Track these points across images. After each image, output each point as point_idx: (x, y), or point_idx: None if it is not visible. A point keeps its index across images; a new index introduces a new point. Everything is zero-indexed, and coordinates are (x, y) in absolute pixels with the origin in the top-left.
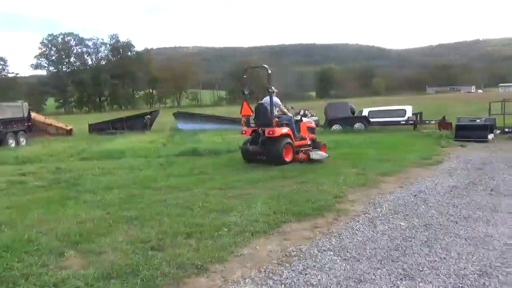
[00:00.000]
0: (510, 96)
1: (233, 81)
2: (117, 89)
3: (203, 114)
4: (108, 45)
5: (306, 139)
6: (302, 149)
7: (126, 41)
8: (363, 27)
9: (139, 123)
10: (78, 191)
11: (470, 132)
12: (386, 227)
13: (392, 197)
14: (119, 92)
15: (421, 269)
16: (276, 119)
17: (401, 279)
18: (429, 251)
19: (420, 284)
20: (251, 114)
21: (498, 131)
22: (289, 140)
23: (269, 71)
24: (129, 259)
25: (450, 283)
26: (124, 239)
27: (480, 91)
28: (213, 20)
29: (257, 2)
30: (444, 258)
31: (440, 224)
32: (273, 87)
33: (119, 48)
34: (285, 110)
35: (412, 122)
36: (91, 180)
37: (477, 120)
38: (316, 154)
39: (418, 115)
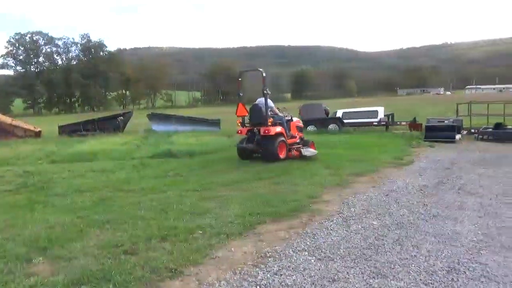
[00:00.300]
0: (476, 98)
1: (208, 82)
2: (89, 89)
3: (178, 116)
4: (79, 45)
5: (296, 137)
6: (293, 146)
7: (98, 41)
8: (336, 30)
9: (112, 125)
10: (47, 195)
11: (439, 133)
12: (360, 226)
13: (365, 196)
14: (90, 93)
15: (392, 267)
16: (271, 119)
17: (374, 277)
18: (401, 249)
19: (392, 281)
20: (246, 114)
21: (465, 132)
22: (282, 138)
23: (264, 74)
24: (100, 264)
25: (421, 279)
26: (95, 243)
27: (448, 93)
28: (187, 21)
29: (231, 4)
30: (415, 255)
31: (411, 223)
32: (267, 89)
33: (91, 48)
34: (276, 111)
35: (384, 123)
36: (61, 183)
37: (445, 121)
38: (307, 151)
39: (390, 116)
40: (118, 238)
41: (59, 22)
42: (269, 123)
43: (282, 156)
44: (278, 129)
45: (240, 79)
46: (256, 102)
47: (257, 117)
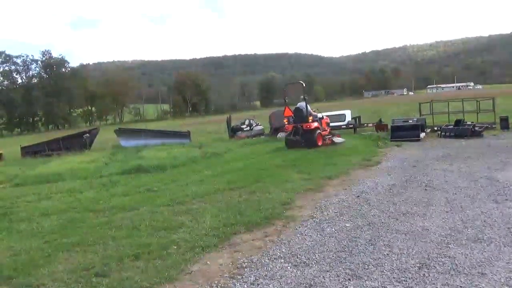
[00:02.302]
0: (437, 96)
1: (176, 94)
2: (52, 108)
3: (147, 130)
4: (39, 62)
5: (327, 130)
6: (327, 137)
7: (60, 57)
8: (300, 36)
9: (78, 143)
10: (11, 221)
11: (404, 132)
12: (333, 229)
13: (337, 199)
14: (54, 111)
15: (367, 267)
16: (312, 117)
17: (349, 279)
18: (373, 249)
19: (367, 282)
20: (292, 115)
21: (428, 130)
22: (319, 131)
23: (304, 85)
24: None
25: (394, 277)
26: (65, 268)
27: (411, 93)
28: (150, 34)
29: (194, 15)
30: (387, 254)
31: (382, 222)
32: (306, 96)
33: (52, 65)
34: (312, 111)
35: (352, 125)
36: (25, 207)
37: (410, 121)
38: (337, 140)
39: (357, 119)
40: (88, 261)
41: (15, 40)
42: (310, 120)
43: (320, 143)
44: (316, 124)
45: (285, 89)
46: (298, 105)
47: (300, 116)
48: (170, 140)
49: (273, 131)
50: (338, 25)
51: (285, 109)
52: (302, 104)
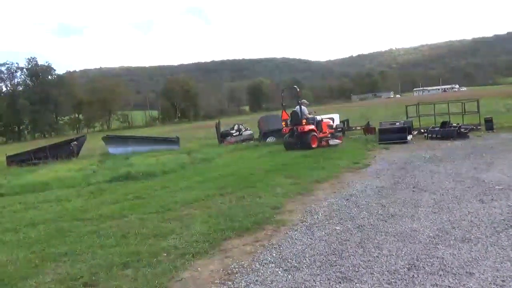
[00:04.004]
0: (423, 99)
1: (164, 100)
2: (38, 116)
3: (135, 136)
4: (25, 70)
5: (326, 133)
6: (324, 139)
7: (46, 64)
8: (288, 41)
9: (65, 151)
10: None
11: (392, 135)
12: (323, 233)
13: (326, 203)
14: (40, 119)
15: (357, 270)
16: (305, 120)
17: (340, 282)
18: (363, 251)
19: (357, 285)
20: (288, 118)
21: (415, 132)
22: (314, 133)
23: (298, 89)
24: None
25: (384, 280)
26: (52, 278)
27: (398, 96)
28: (136, 41)
29: (180, 21)
30: (377, 256)
31: (371, 224)
32: (304, 100)
33: (38, 72)
34: (308, 115)
35: (340, 129)
36: (11, 217)
37: (397, 123)
38: (333, 142)
39: (345, 122)
40: (76, 270)
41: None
42: (303, 123)
43: (314, 146)
44: (311, 127)
45: (282, 94)
46: (295, 109)
47: (295, 119)
48: (159, 146)
49: (262, 136)
50: (325, 30)
51: (282, 112)
52: (297, 108)
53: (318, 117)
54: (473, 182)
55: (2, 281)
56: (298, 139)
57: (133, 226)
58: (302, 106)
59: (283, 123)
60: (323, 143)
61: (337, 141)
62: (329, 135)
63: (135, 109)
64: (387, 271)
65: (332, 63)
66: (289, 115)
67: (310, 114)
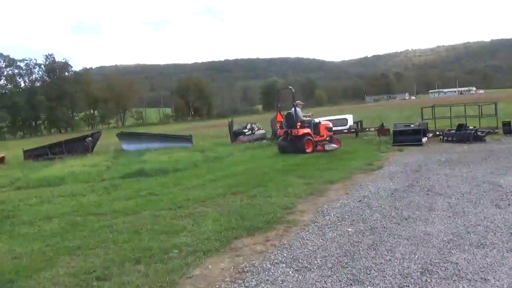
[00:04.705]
0: (439, 101)
1: (178, 98)
2: (55, 111)
3: (149, 133)
4: (42, 66)
5: (324, 136)
6: (320, 143)
7: (63, 61)
8: (302, 41)
9: (80, 147)
10: (13, 224)
11: (406, 137)
12: (335, 234)
13: (338, 204)
14: (57, 115)
15: (368, 272)
16: (300, 123)
17: (351, 284)
18: (375, 254)
19: (369, 287)
20: (283, 120)
21: (430, 134)
22: (309, 137)
23: (293, 90)
24: None
25: (396, 283)
26: (66, 271)
27: (413, 97)
28: (152, 38)
29: (196, 20)
30: (389, 259)
31: (384, 227)
32: (298, 101)
33: (55, 69)
34: (303, 118)
35: (354, 130)
36: (27, 210)
37: (412, 125)
38: (329, 147)
39: (359, 123)
40: (90, 264)
41: (17, 45)
42: (298, 126)
43: (308, 150)
44: (305, 130)
45: (277, 95)
46: (290, 111)
47: (290, 122)
48: (172, 144)
49: (275, 135)
50: (340, 30)
51: (277, 114)
52: (293, 110)
53: (316, 120)
54: (489, 186)
55: (17, 272)
56: (292, 143)
57: (146, 222)
58: (297, 108)
59: (278, 125)
60: (319, 147)
61: (334, 146)
62: (327, 139)
63: (149, 106)
64: (400, 275)
65: (346, 63)
66: (284, 117)
67: (306, 117)
